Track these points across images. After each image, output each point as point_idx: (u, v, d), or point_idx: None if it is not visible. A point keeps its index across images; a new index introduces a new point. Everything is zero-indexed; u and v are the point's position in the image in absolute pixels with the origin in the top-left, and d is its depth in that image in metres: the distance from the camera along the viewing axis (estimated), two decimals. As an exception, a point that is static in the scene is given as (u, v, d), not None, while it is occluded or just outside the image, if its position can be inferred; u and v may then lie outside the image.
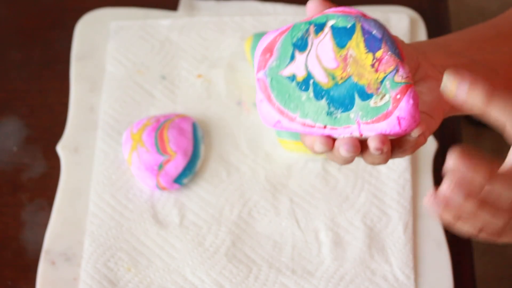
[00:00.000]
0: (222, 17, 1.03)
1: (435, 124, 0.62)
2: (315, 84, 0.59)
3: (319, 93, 0.59)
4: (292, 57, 0.60)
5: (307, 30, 0.60)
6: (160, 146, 0.91)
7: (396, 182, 0.92)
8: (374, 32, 0.59)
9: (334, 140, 0.59)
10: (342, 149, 0.58)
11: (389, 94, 0.58)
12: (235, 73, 0.99)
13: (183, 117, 0.94)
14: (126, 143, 0.92)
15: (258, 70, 0.60)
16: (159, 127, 0.92)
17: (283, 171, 0.93)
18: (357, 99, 0.58)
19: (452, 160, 0.50)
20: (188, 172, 0.91)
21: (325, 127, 0.59)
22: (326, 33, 0.59)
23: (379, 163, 0.60)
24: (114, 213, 0.90)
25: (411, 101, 0.58)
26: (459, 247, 0.90)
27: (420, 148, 0.94)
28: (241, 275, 0.87)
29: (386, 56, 0.58)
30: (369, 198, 0.91)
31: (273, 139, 0.95)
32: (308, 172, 0.93)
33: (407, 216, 0.90)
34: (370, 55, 0.58)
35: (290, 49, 0.60)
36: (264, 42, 0.61)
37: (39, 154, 0.95)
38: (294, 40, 0.60)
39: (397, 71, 0.58)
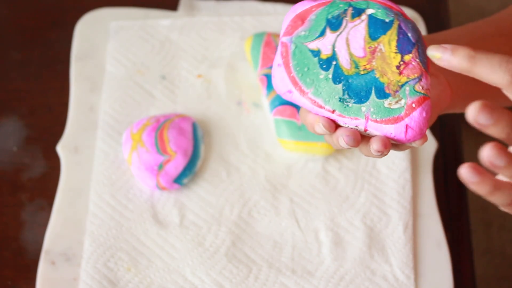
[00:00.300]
0: (222, 17, 1.03)
1: (431, 121, 0.62)
2: (337, 67, 0.58)
3: (338, 76, 0.58)
4: (322, 33, 0.59)
5: (345, 11, 0.59)
6: (160, 146, 0.91)
7: (396, 182, 0.92)
8: (410, 34, 0.58)
9: (336, 125, 0.59)
10: (342, 139, 0.58)
11: (406, 100, 0.57)
12: (235, 73, 0.99)
13: (183, 117, 0.94)
14: (126, 143, 0.92)
15: (284, 34, 0.59)
16: (159, 127, 0.92)
17: (283, 171, 0.93)
18: (373, 95, 0.57)
19: (473, 113, 0.50)
20: (188, 172, 0.91)
21: (333, 111, 0.58)
22: (363, 20, 0.58)
23: (373, 157, 0.60)
24: (114, 213, 0.90)
25: (424, 114, 0.57)
26: (459, 247, 0.90)
27: (420, 148, 0.94)
28: (241, 275, 0.87)
29: (414, 62, 0.57)
30: (369, 198, 0.91)
31: (273, 139, 0.95)
32: (308, 172, 0.93)
33: (407, 216, 0.90)
34: (399, 56, 0.58)
35: (323, 24, 0.59)
36: (298, 9, 0.59)
37: (39, 154, 0.95)
38: (329, 16, 0.59)
39: (420, 80, 0.57)
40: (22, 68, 1.01)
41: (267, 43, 0.96)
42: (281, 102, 0.92)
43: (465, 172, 0.51)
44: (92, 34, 1.02)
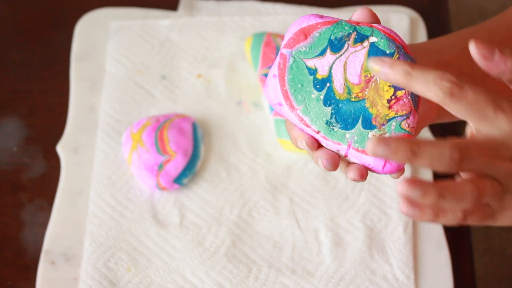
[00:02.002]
0: (222, 17, 1.03)
1: (416, 134, 0.62)
2: (330, 89, 0.59)
3: (329, 99, 0.59)
4: (323, 52, 0.59)
5: (349, 35, 0.59)
6: (160, 146, 0.91)
7: (396, 182, 0.92)
8: None
9: (319, 144, 0.60)
10: (320, 161, 0.59)
11: (390, 135, 0.58)
12: (235, 73, 0.99)
13: (183, 117, 0.94)
14: (126, 143, 0.92)
15: (285, 46, 0.59)
16: (159, 127, 0.92)
17: (283, 171, 0.93)
18: (360, 124, 0.58)
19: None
20: (188, 172, 0.91)
21: (318, 132, 0.59)
22: (364, 47, 0.59)
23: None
24: (114, 213, 0.90)
25: None
26: (459, 247, 0.90)
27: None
28: (241, 275, 0.87)
29: (405, 99, 0.58)
30: (369, 198, 0.91)
31: (273, 139, 0.95)
32: (308, 172, 0.93)
33: (407, 216, 0.90)
34: (392, 91, 0.58)
35: (325, 43, 0.59)
36: (303, 22, 0.60)
37: (39, 154, 0.95)
38: (333, 37, 0.59)
39: (407, 118, 0.58)
40: (22, 68, 1.01)
41: (267, 43, 0.96)
42: (281, 102, 0.92)
43: (404, 208, 0.53)
44: (92, 34, 1.02)
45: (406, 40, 1.00)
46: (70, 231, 0.90)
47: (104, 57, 1.00)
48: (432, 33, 1.01)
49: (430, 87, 0.53)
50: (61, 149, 0.95)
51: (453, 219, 0.54)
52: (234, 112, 0.97)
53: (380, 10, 1.02)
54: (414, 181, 0.51)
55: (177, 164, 0.90)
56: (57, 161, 0.94)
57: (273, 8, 1.04)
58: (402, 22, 1.01)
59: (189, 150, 0.91)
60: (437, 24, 1.03)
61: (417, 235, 0.90)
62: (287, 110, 0.59)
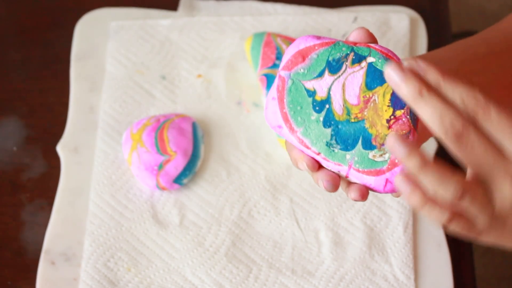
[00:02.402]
0: (222, 17, 1.03)
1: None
2: (329, 111, 0.59)
3: (329, 120, 0.59)
4: (321, 74, 0.59)
5: (346, 56, 0.59)
6: (160, 146, 0.91)
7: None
8: None
9: (319, 165, 0.60)
10: (321, 182, 0.59)
11: (390, 154, 0.58)
12: (235, 73, 0.99)
13: (183, 117, 0.94)
14: (126, 143, 0.92)
15: (283, 68, 0.59)
16: (159, 127, 0.92)
17: (283, 171, 0.93)
18: (360, 144, 0.58)
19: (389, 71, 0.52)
20: (188, 172, 0.91)
21: (319, 153, 0.59)
22: (362, 68, 0.59)
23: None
24: (114, 213, 0.90)
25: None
26: (459, 247, 0.90)
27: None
28: (241, 275, 0.87)
29: (404, 119, 0.58)
30: (369, 198, 0.91)
31: (273, 139, 0.95)
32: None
33: (407, 216, 0.90)
34: (391, 110, 0.58)
35: (323, 65, 0.59)
36: (300, 44, 0.60)
37: (39, 154, 0.95)
38: (330, 58, 0.59)
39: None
40: (22, 68, 1.01)
41: (267, 43, 0.96)
42: (281, 102, 0.92)
43: (399, 179, 0.52)
44: (92, 34, 1.02)
45: (406, 40, 1.00)
46: (70, 231, 0.90)
47: (104, 57, 1.00)
48: (432, 33, 1.01)
49: (433, 121, 0.51)
50: (61, 149, 0.95)
51: (439, 215, 0.53)
52: (234, 112, 0.97)
53: (380, 10, 1.02)
54: (407, 139, 0.51)
55: (177, 164, 0.90)
56: (57, 161, 0.94)
57: (273, 8, 1.04)
58: (402, 22, 1.01)
59: (189, 150, 0.91)
60: (437, 24, 1.03)
61: (417, 235, 0.90)
62: (287, 132, 0.59)
